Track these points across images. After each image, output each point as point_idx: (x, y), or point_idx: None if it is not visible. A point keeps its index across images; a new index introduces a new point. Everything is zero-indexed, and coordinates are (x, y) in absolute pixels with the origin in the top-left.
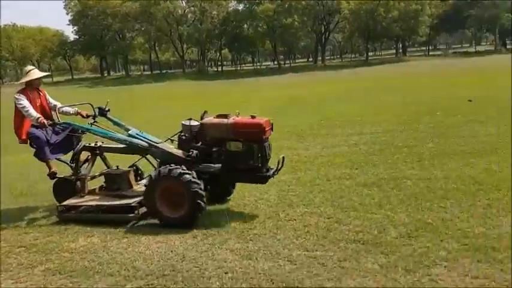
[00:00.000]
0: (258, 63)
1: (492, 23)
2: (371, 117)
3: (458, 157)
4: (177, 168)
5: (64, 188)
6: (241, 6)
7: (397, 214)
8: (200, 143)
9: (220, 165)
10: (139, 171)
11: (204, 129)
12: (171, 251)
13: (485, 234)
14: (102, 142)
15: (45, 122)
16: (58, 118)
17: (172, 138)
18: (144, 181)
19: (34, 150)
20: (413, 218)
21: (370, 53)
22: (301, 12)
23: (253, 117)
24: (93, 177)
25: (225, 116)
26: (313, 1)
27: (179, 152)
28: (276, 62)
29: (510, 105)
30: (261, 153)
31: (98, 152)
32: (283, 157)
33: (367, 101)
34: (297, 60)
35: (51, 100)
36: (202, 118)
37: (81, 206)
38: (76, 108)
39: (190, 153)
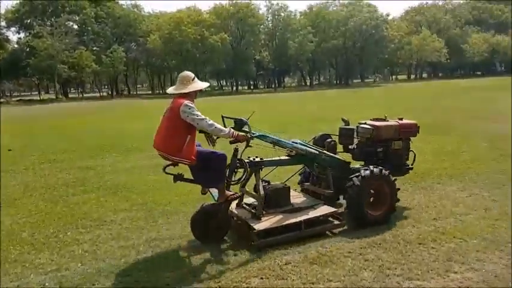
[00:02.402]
0: None
1: (51, 72)
2: None
3: None
4: (383, 168)
5: (207, 218)
6: None
7: None
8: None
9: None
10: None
11: (378, 132)
12: None
13: None
14: (257, 156)
15: (244, 134)
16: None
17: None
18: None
19: (205, 176)
20: None
21: None
22: None
23: (401, 119)
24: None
25: (383, 120)
26: None
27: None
28: None
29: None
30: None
31: (261, 168)
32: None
33: None
34: None
35: None
36: (348, 123)
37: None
38: None
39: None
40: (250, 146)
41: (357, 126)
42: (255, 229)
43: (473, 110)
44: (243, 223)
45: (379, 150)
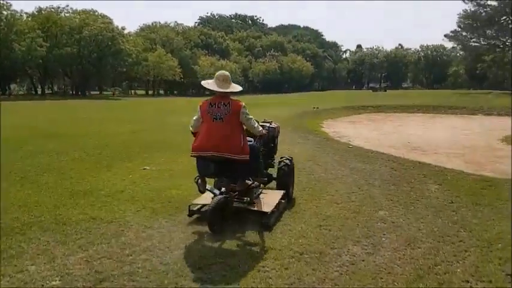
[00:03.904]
0: None
1: None
2: None
3: None
4: (291, 158)
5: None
6: None
7: None
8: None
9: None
10: None
11: (277, 131)
12: None
13: None
14: None
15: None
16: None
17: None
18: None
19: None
20: None
21: None
22: None
23: (270, 122)
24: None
25: (270, 122)
26: None
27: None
28: None
29: None
30: None
31: None
32: None
33: None
34: None
35: None
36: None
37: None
38: None
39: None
40: None
41: (268, 127)
42: (266, 212)
43: None
44: (243, 210)
45: (272, 145)
